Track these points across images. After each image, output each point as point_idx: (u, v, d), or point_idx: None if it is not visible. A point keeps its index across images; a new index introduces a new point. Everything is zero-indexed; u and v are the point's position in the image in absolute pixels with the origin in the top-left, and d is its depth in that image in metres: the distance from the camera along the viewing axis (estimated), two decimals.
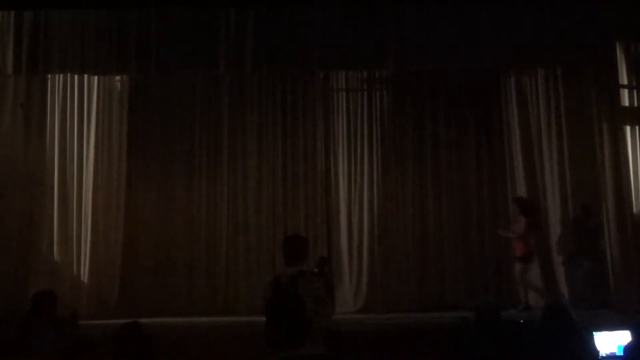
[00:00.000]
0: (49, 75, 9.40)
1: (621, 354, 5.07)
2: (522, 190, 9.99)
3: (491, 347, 4.44)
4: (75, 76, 9.61)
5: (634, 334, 4.77)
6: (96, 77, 9.74)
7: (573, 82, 9.70)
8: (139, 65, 8.85)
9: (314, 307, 4.52)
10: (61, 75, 9.58)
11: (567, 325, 4.48)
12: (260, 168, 10.42)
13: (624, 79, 9.42)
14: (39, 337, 5.73)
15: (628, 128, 9.43)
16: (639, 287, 8.86)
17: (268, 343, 4.53)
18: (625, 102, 9.45)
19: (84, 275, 9.57)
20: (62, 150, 9.68)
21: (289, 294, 4.49)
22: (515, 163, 10.11)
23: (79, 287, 9.41)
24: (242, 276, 10.09)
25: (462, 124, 10.44)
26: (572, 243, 9.60)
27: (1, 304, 8.56)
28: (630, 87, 9.45)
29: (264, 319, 4.63)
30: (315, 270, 7.29)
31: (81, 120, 9.80)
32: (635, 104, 9.45)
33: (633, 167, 9.30)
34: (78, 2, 8.75)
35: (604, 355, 5.22)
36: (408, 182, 10.35)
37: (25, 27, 8.73)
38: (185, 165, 10.41)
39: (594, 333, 5.12)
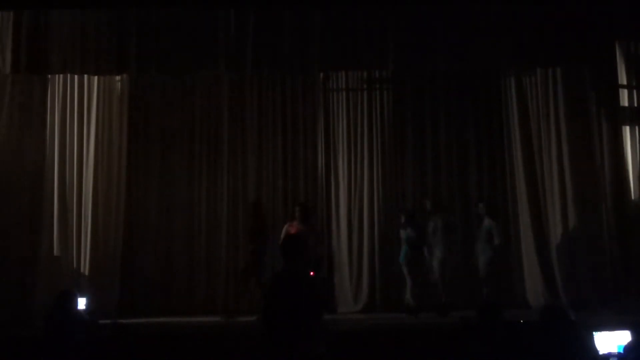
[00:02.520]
0: (49, 75, 9.39)
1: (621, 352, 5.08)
2: (522, 190, 9.99)
3: (491, 347, 4.44)
4: (75, 76, 9.61)
5: (634, 334, 4.78)
6: (96, 77, 9.74)
7: (573, 82, 9.70)
8: (139, 65, 8.85)
9: (313, 306, 4.52)
10: (61, 75, 9.58)
11: (565, 325, 4.48)
12: (260, 168, 10.44)
13: (623, 79, 9.43)
14: (63, 333, 5.82)
15: (628, 128, 9.44)
16: (639, 287, 8.88)
17: (267, 342, 4.53)
18: (625, 102, 9.46)
19: (84, 275, 9.57)
20: (62, 150, 9.68)
21: (289, 294, 4.50)
22: (515, 163, 10.11)
23: (79, 287, 9.40)
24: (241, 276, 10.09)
25: (462, 124, 10.45)
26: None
27: (1, 302, 8.56)
28: (629, 87, 9.46)
29: (262, 318, 4.63)
30: (314, 270, 7.33)
31: (81, 120, 9.81)
32: (635, 104, 9.46)
33: (633, 167, 9.31)
34: (78, 2, 8.74)
35: (604, 354, 5.23)
36: (408, 182, 10.36)
37: (25, 27, 8.73)
38: (185, 165, 10.42)
39: (593, 333, 5.12)
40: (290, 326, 4.41)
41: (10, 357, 6.47)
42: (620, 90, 9.47)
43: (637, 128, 9.48)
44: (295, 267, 4.62)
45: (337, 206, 10.38)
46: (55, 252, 9.50)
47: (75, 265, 9.58)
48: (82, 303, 8.07)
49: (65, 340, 5.82)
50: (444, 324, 7.93)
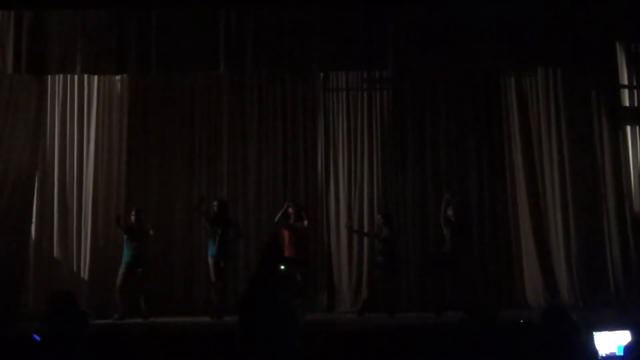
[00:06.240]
0: (49, 75, 9.39)
1: (621, 354, 5.07)
2: (522, 190, 9.98)
3: (489, 348, 4.43)
4: (75, 76, 9.61)
5: (634, 334, 4.77)
6: (96, 77, 9.74)
7: (573, 82, 9.69)
8: (139, 65, 8.85)
9: (287, 304, 4.58)
10: (61, 75, 9.58)
11: (567, 326, 4.47)
12: (260, 168, 10.44)
13: (624, 79, 9.42)
14: (58, 335, 5.78)
15: (628, 128, 9.44)
16: (639, 287, 8.87)
17: (241, 339, 4.56)
18: (626, 102, 9.46)
19: (84, 275, 9.57)
20: (62, 150, 9.68)
21: (263, 291, 4.56)
22: (516, 163, 10.11)
23: (79, 287, 9.40)
24: (241, 276, 10.09)
25: (462, 124, 10.45)
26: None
27: (1, 303, 8.56)
28: (630, 87, 9.45)
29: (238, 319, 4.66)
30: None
31: (81, 120, 9.81)
32: (635, 104, 9.45)
33: (633, 167, 9.30)
34: (78, 2, 8.74)
35: (604, 355, 5.22)
36: (408, 182, 10.36)
37: (25, 27, 8.72)
38: (185, 165, 10.42)
39: (594, 333, 5.12)
40: (263, 322, 4.46)
41: (9, 358, 6.44)
42: (621, 90, 9.46)
43: (637, 128, 9.47)
44: (271, 270, 4.69)
45: (337, 206, 10.38)
46: (55, 252, 9.51)
47: (75, 266, 9.58)
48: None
49: (68, 342, 5.77)
50: (444, 324, 7.91)
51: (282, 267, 4.89)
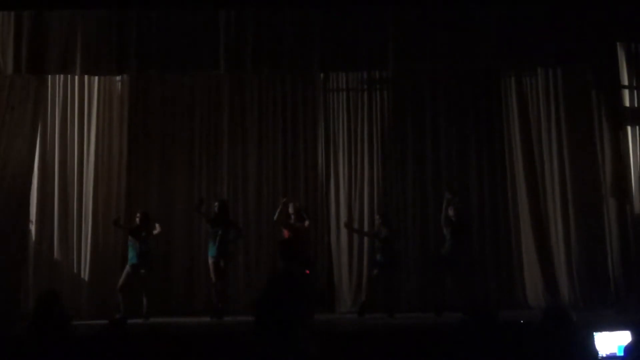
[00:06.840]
0: (49, 75, 9.39)
1: (621, 354, 5.07)
2: (522, 190, 9.98)
3: (489, 348, 4.43)
4: (76, 76, 9.60)
5: (634, 334, 4.77)
6: (96, 77, 9.74)
7: (573, 82, 9.69)
8: (139, 65, 8.85)
9: (304, 305, 4.56)
10: (61, 75, 9.58)
11: (567, 326, 4.47)
12: (260, 168, 10.45)
13: (624, 79, 9.42)
14: (43, 336, 5.76)
15: (628, 128, 9.44)
16: (639, 287, 8.87)
17: (259, 343, 4.55)
18: (626, 102, 9.46)
19: (84, 275, 9.58)
20: (62, 150, 9.68)
21: (279, 293, 4.54)
22: (516, 163, 10.11)
23: (79, 287, 9.42)
24: (241, 275, 10.10)
25: (462, 124, 10.45)
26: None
27: (1, 304, 8.56)
28: (630, 87, 9.45)
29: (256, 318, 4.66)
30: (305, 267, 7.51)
31: (81, 120, 9.81)
32: (636, 104, 9.45)
33: (633, 167, 9.30)
34: (78, 2, 8.74)
35: (604, 355, 5.22)
36: (408, 182, 10.36)
37: (25, 27, 8.72)
38: (186, 165, 10.43)
39: (594, 333, 5.12)
40: (282, 327, 4.43)
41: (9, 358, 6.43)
42: (621, 90, 9.46)
43: (637, 128, 9.46)
44: (290, 268, 4.67)
45: (337, 206, 10.38)
46: (55, 252, 9.51)
47: (75, 266, 9.58)
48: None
49: (52, 343, 5.74)
50: (444, 324, 7.92)
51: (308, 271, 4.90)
